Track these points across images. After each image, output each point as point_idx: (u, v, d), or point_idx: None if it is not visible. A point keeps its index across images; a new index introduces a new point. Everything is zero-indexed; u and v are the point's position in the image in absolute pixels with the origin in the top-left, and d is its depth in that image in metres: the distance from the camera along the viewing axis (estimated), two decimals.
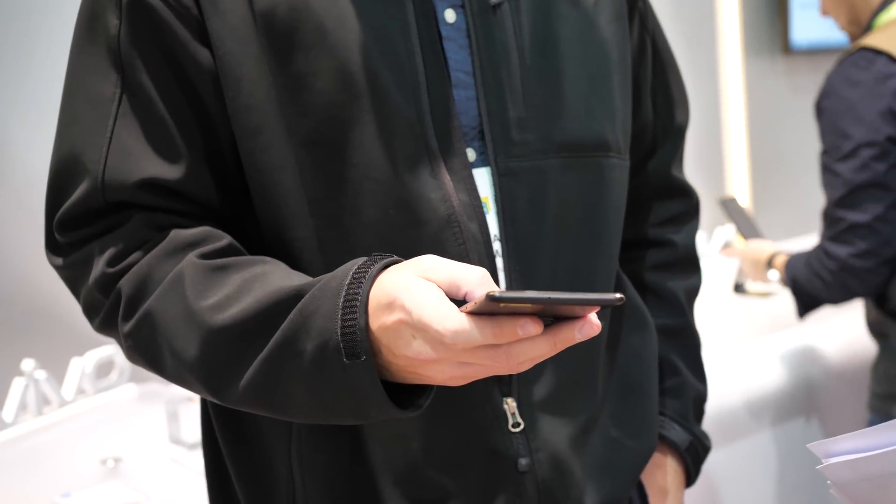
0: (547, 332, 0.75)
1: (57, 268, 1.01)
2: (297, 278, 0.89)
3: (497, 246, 1.00)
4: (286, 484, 1.03)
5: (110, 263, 0.95)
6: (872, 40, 2.05)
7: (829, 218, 2.04)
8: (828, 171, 2.05)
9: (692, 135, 1.40)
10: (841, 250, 2.00)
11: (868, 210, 1.98)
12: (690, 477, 1.23)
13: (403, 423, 1.00)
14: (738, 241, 2.76)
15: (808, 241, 2.96)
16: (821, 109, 2.08)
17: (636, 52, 1.17)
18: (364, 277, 0.82)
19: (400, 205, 0.96)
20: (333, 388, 0.83)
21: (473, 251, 0.98)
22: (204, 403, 1.09)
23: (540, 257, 1.02)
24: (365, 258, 0.85)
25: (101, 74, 0.97)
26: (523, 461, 1.02)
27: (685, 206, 1.29)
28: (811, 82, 3.57)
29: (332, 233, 0.97)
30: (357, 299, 0.81)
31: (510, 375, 1.01)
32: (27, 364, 2.07)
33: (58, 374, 2.14)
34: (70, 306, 1.04)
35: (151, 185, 0.95)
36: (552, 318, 0.75)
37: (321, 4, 0.95)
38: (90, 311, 1.00)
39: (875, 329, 2.17)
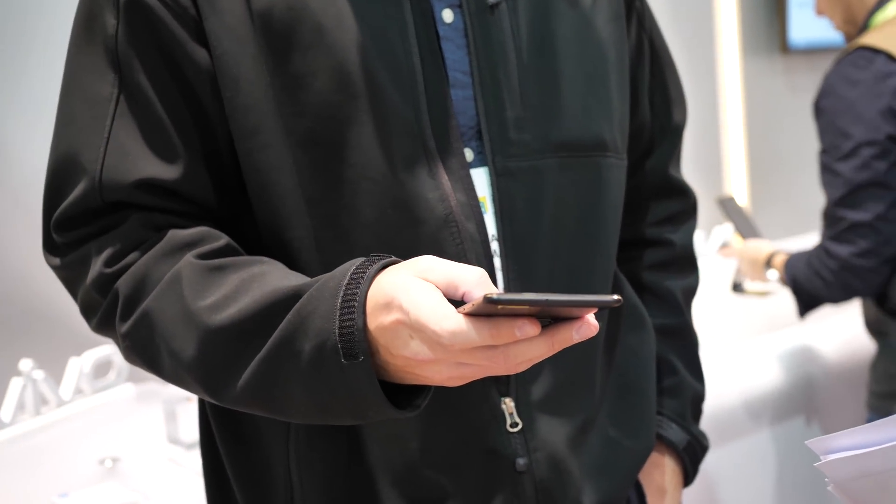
0: (545, 333, 0.75)
1: (54, 268, 1.01)
2: (294, 278, 0.89)
3: (495, 246, 1.00)
4: (284, 484, 1.03)
5: (108, 263, 0.95)
6: (870, 39, 2.05)
7: (830, 217, 2.04)
8: (828, 170, 2.04)
9: (690, 134, 1.41)
10: (842, 249, 2.00)
11: (869, 209, 1.98)
12: (688, 476, 1.23)
13: (401, 423, 0.99)
14: (737, 240, 2.76)
15: (807, 240, 2.96)
16: (820, 109, 2.08)
17: (634, 52, 1.17)
18: (362, 278, 0.82)
19: (397, 204, 0.96)
20: (331, 389, 0.83)
21: (471, 251, 0.98)
22: (202, 403, 1.09)
23: (537, 257, 1.02)
24: (363, 258, 0.85)
25: (98, 74, 0.97)
26: (521, 461, 1.02)
27: (683, 206, 1.29)
28: (809, 81, 3.57)
29: (330, 232, 0.97)
30: (355, 300, 0.81)
31: (508, 375, 1.01)
32: (25, 364, 2.07)
33: (56, 374, 2.14)
34: (68, 306, 1.04)
35: (149, 185, 0.95)
36: (550, 318, 0.75)
37: (319, 4, 0.95)
38: (88, 311, 1.00)
39: (874, 328, 2.17)
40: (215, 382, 0.90)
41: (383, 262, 0.83)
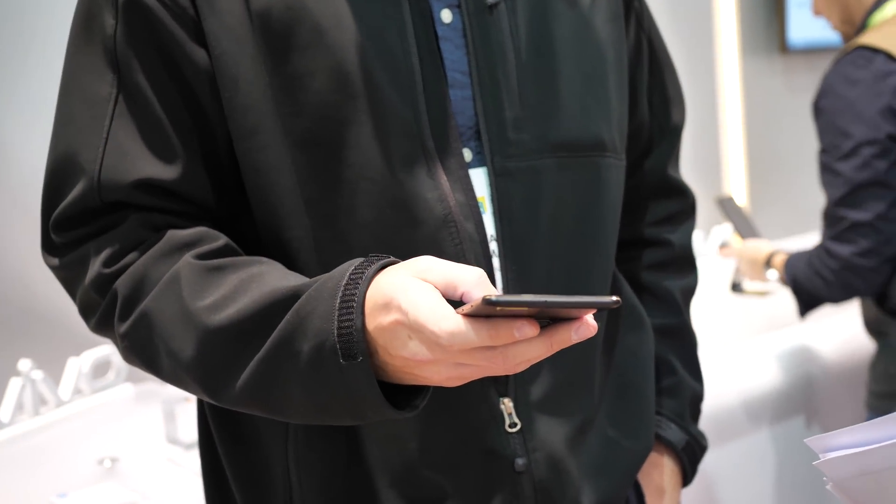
0: (543, 334, 0.75)
1: (53, 268, 1.01)
2: (293, 279, 0.89)
3: (493, 246, 1.00)
4: (283, 484, 1.02)
5: (106, 264, 0.95)
6: (869, 38, 2.05)
7: (831, 217, 2.03)
8: (828, 170, 2.04)
9: (689, 134, 1.40)
10: (843, 249, 2.00)
11: (870, 208, 1.97)
12: (687, 476, 1.23)
13: (400, 423, 0.99)
14: (735, 240, 2.76)
15: (806, 240, 2.96)
16: (819, 109, 2.08)
17: (632, 52, 1.17)
18: (361, 278, 0.82)
19: (396, 205, 0.96)
20: (330, 389, 0.83)
21: (470, 251, 0.97)
22: (201, 404, 1.09)
23: (536, 257, 1.02)
24: (362, 259, 0.85)
25: (97, 74, 0.97)
26: (520, 461, 1.02)
27: (681, 206, 1.29)
28: (808, 81, 3.57)
29: (329, 233, 0.97)
30: (354, 300, 0.81)
31: (507, 376, 1.01)
32: (24, 364, 2.07)
33: (54, 374, 2.14)
34: (66, 306, 1.04)
35: (147, 186, 0.95)
36: (548, 319, 0.75)
37: (317, 4, 0.95)
38: (86, 312, 1.00)
39: (873, 328, 2.17)
40: (214, 383, 0.90)
41: (382, 262, 0.83)
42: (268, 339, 0.86)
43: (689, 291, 1.29)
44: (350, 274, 0.83)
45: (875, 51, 2.03)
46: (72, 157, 0.97)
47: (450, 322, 0.74)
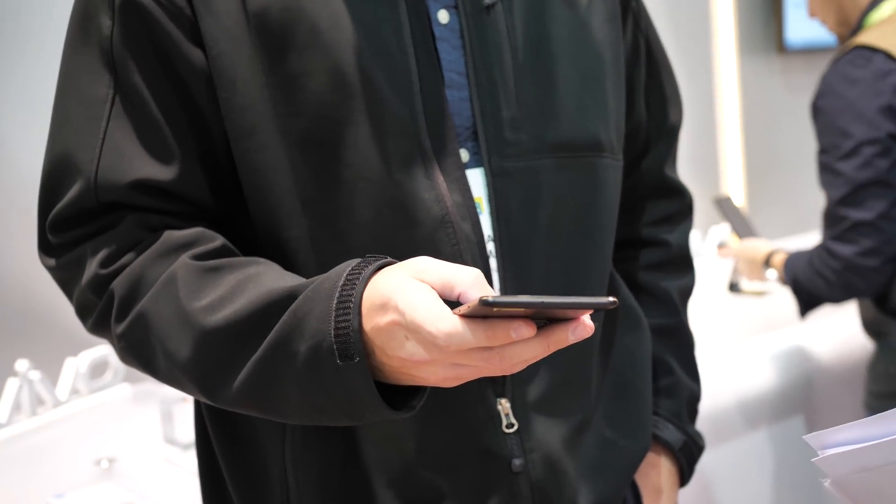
0: (540, 334, 0.75)
1: (50, 269, 1.01)
2: (290, 279, 0.89)
3: (491, 246, 1.00)
4: (280, 484, 1.02)
5: (103, 264, 0.95)
6: (867, 38, 2.05)
7: (831, 217, 2.02)
8: (828, 170, 2.03)
9: (687, 134, 1.41)
10: (845, 249, 1.99)
11: (872, 208, 1.97)
12: (684, 477, 1.23)
13: (397, 423, 0.99)
14: (733, 240, 2.76)
15: (804, 239, 2.96)
16: (818, 109, 2.07)
17: (630, 53, 1.17)
18: (358, 279, 0.82)
19: (394, 205, 0.96)
20: (327, 390, 0.83)
21: (467, 252, 0.97)
22: (197, 404, 1.09)
23: (533, 257, 1.02)
24: (359, 259, 0.85)
25: (94, 75, 0.97)
26: (517, 462, 1.02)
27: (679, 206, 1.29)
28: (806, 81, 3.57)
29: (326, 233, 0.97)
30: (350, 301, 0.81)
31: (504, 376, 1.01)
32: (21, 364, 2.07)
33: (52, 375, 2.14)
34: (64, 307, 1.04)
35: (144, 186, 0.95)
36: (545, 319, 0.75)
37: (314, 5, 0.95)
38: (83, 312, 1.00)
39: (872, 328, 2.17)
40: (211, 383, 0.90)
41: (379, 262, 0.83)
42: (265, 339, 0.86)
43: (687, 291, 1.29)
44: (347, 275, 0.83)
45: (874, 50, 2.03)
46: (68, 157, 0.97)
47: (447, 323, 0.74)
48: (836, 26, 2.22)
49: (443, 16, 0.99)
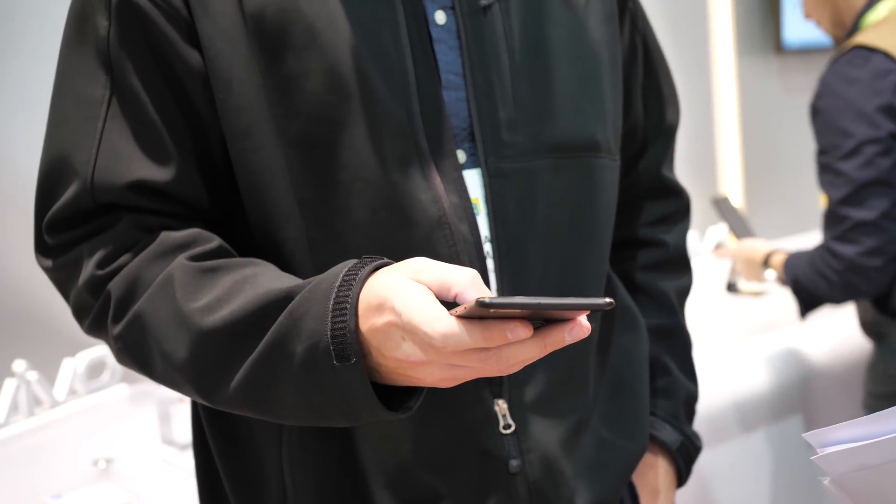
0: (537, 335, 0.75)
1: (46, 269, 1.01)
2: (287, 280, 0.89)
3: (488, 247, 1.00)
4: (277, 485, 1.02)
5: (100, 265, 0.95)
6: (865, 38, 2.05)
7: (833, 217, 2.01)
8: (828, 170, 2.02)
9: (684, 134, 1.41)
10: (848, 249, 1.98)
11: (874, 207, 1.95)
12: (682, 477, 1.23)
13: (394, 424, 0.99)
14: (731, 240, 2.76)
15: (802, 240, 2.96)
16: (817, 110, 2.06)
17: (627, 53, 1.17)
18: (354, 280, 0.82)
19: (390, 206, 0.96)
20: (323, 391, 0.83)
21: (464, 252, 0.97)
22: (194, 405, 1.09)
23: (531, 258, 1.02)
24: (355, 260, 0.85)
25: (90, 76, 0.97)
26: (514, 462, 1.02)
27: (676, 206, 1.29)
28: (803, 81, 3.57)
29: (323, 234, 0.97)
30: (347, 302, 0.81)
31: (501, 377, 1.01)
32: (18, 365, 2.07)
33: (49, 375, 2.14)
34: (61, 307, 1.04)
35: (141, 187, 0.95)
36: (542, 320, 0.75)
37: (311, 6, 0.95)
38: (80, 313, 0.99)
39: (872, 329, 2.16)
40: (207, 384, 0.90)
41: (375, 263, 0.83)
42: (261, 340, 0.85)
43: (684, 292, 1.29)
44: (343, 275, 0.83)
45: (872, 50, 2.02)
46: (65, 158, 0.97)
47: (443, 323, 0.74)
48: (831, 28, 2.22)
49: (440, 17, 0.99)
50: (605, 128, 1.07)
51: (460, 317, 0.74)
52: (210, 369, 0.89)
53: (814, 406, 2.37)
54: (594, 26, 1.08)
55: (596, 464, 1.09)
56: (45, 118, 1.00)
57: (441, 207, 0.97)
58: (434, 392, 0.88)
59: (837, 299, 2.08)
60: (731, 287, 2.75)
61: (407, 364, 0.79)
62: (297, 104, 0.95)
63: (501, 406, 1.02)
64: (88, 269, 0.95)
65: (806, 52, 3.76)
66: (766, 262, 2.26)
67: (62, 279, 1.00)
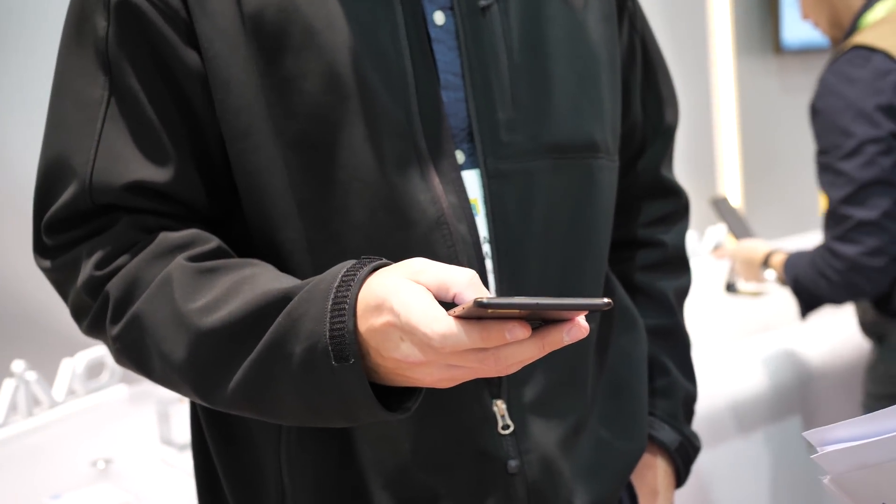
0: (535, 336, 0.75)
1: (45, 270, 1.01)
2: (285, 281, 0.89)
3: (486, 248, 1.00)
4: (275, 485, 1.02)
5: (98, 266, 0.95)
6: (865, 38, 2.04)
7: (834, 217, 2.00)
8: (829, 170, 2.01)
9: (683, 134, 1.40)
10: (850, 249, 1.97)
11: (876, 206, 1.95)
12: (680, 477, 1.23)
13: (393, 424, 0.99)
14: (730, 240, 2.76)
15: (801, 240, 2.96)
16: (816, 110, 2.06)
17: (625, 53, 1.17)
18: (353, 280, 0.82)
19: (389, 206, 0.96)
20: (322, 391, 0.83)
21: (463, 253, 0.97)
22: (193, 405, 1.09)
23: (529, 259, 1.02)
24: (354, 261, 0.85)
25: (89, 76, 0.97)
26: (513, 463, 1.02)
27: (675, 206, 1.29)
28: (802, 82, 3.57)
29: (322, 234, 0.97)
30: (346, 302, 0.81)
31: (500, 378, 1.01)
32: (17, 365, 2.07)
33: (48, 376, 2.13)
34: (60, 308, 1.04)
35: (139, 188, 0.95)
36: (540, 321, 0.75)
37: (310, 6, 0.95)
38: (78, 314, 0.99)
39: (872, 330, 2.15)
40: (206, 385, 0.90)
41: (374, 264, 0.83)
42: (260, 341, 0.85)
43: (683, 292, 1.29)
44: (342, 276, 0.83)
45: (872, 50, 2.02)
46: (63, 159, 0.97)
47: (441, 324, 0.74)
48: (828, 28, 2.21)
49: (438, 17, 0.99)
50: (603, 128, 1.07)
51: (459, 317, 0.74)
52: (208, 370, 0.89)
53: (812, 406, 2.37)
54: (593, 27, 1.08)
55: (594, 464, 1.09)
56: (43, 119, 1.00)
57: (440, 208, 0.97)
58: (433, 392, 0.88)
59: (839, 300, 2.07)
60: (730, 287, 2.75)
61: (405, 364, 0.79)
62: (295, 104, 0.95)
63: (500, 406, 1.02)
64: (87, 269, 0.95)
65: (805, 52, 3.76)
66: (765, 263, 2.25)
67: (61, 280, 1.00)
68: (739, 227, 2.53)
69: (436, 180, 0.97)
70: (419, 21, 0.98)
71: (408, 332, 0.76)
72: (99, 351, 2.17)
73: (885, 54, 2.01)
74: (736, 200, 3.62)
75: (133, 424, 2.07)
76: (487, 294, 0.76)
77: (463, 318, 0.74)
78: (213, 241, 0.96)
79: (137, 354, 0.94)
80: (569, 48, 1.05)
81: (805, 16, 2.26)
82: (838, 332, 2.48)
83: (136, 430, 2.04)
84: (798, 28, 3.67)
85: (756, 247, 2.31)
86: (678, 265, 1.28)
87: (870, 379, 2.18)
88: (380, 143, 0.95)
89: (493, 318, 0.73)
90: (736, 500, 2.21)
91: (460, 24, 0.99)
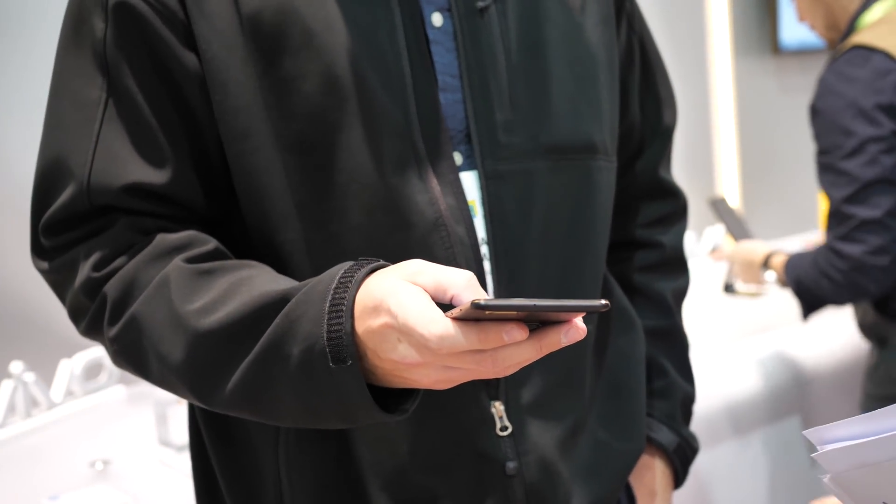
0: (532, 337, 0.75)
1: (42, 272, 1.01)
2: (283, 282, 0.89)
3: (485, 249, 1.00)
4: (273, 486, 1.02)
5: (96, 268, 0.95)
6: (864, 38, 2.04)
7: (836, 216, 1.99)
8: (830, 170, 2.00)
9: (682, 135, 1.41)
10: (853, 249, 1.96)
11: (879, 205, 1.94)
12: (679, 478, 1.23)
13: (391, 426, 0.99)
14: (728, 241, 2.76)
15: (800, 240, 2.96)
16: (817, 110, 2.05)
17: (624, 54, 1.17)
18: (350, 282, 0.82)
19: (387, 208, 0.96)
20: (320, 393, 0.83)
21: (461, 255, 0.97)
22: (191, 406, 1.09)
23: (527, 260, 1.02)
24: (352, 262, 0.85)
25: (87, 78, 0.97)
26: (511, 464, 1.02)
27: (673, 207, 1.29)
28: (801, 82, 3.57)
29: (320, 236, 0.97)
30: (343, 304, 0.81)
31: (498, 379, 1.01)
32: (16, 366, 2.06)
33: (46, 377, 2.13)
34: (58, 309, 1.04)
35: (137, 190, 0.95)
36: (538, 322, 0.75)
37: (308, 8, 0.95)
38: (76, 316, 0.99)
39: (872, 332, 2.14)
40: (204, 386, 0.90)
41: (372, 265, 0.83)
42: (257, 342, 0.85)
43: (681, 293, 1.29)
44: (339, 277, 0.82)
45: (871, 49, 2.02)
46: (61, 160, 0.97)
47: (439, 325, 0.74)
48: (825, 31, 2.21)
49: (436, 18, 0.99)
50: (601, 129, 1.07)
51: (456, 319, 0.74)
52: (206, 371, 0.89)
53: (811, 407, 2.37)
54: (591, 28, 1.08)
55: (593, 465, 1.09)
56: (41, 119, 1.00)
57: (438, 209, 0.97)
58: (430, 394, 0.88)
59: (841, 300, 2.06)
60: (729, 288, 2.75)
61: (403, 366, 0.79)
62: (293, 106, 0.95)
63: (498, 408, 1.02)
64: (84, 271, 0.95)
65: (803, 52, 3.76)
66: (765, 264, 2.24)
67: (58, 281, 1.00)
68: (738, 228, 2.53)
69: (434, 182, 0.97)
70: (417, 22, 0.98)
71: (405, 333, 0.76)
72: (97, 352, 2.17)
73: (885, 54, 2.01)
74: (734, 201, 3.62)
75: (131, 425, 2.07)
76: (485, 296, 0.76)
77: (460, 319, 0.74)
78: (211, 243, 0.96)
79: (135, 356, 0.94)
80: (567, 49, 1.05)
81: (801, 18, 2.25)
82: (836, 334, 2.48)
83: (135, 432, 2.04)
84: (796, 29, 3.67)
85: (755, 248, 2.31)
86: (676, 266, 1.28)
87: (869, 380, 2.17)
88: (378, 144, 0.95)
89: (490, 319, 0.73)
90: (734, 501, 2.21)
91: (458, 25, 0.99)
